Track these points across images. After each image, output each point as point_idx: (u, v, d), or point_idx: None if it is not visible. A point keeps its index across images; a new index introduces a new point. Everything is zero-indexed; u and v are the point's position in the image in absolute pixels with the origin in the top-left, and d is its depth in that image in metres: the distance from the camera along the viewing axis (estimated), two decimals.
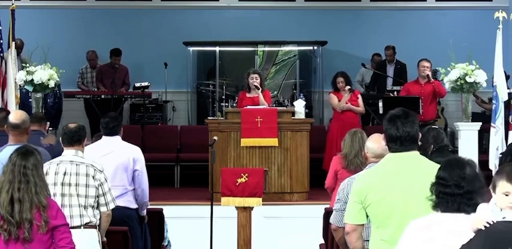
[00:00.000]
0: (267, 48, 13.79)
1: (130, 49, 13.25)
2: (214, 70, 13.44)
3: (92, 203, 5.61)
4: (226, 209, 7.85)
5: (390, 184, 4.23)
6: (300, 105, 9.98)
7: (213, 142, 8.01)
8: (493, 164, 8.88)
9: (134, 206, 6.61)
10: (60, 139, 5.85)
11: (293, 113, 9.89)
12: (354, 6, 14.04)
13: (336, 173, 7.20)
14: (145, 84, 12.31)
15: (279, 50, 13.81)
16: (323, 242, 6.88)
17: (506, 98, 9.27)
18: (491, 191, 3.60)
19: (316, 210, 7.95)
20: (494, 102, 9.33)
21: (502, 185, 3.52)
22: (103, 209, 5.67)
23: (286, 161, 9.66)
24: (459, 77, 9.33)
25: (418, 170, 4.22)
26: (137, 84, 12.45)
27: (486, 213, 3.49)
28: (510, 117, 9.27)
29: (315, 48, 13.56)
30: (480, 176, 3.70)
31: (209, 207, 7.72)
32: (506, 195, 3.50)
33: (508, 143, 8.80)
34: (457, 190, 3.63)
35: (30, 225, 4.46)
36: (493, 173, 3.85)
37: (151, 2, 13.99)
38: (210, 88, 13.19)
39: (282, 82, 13.62)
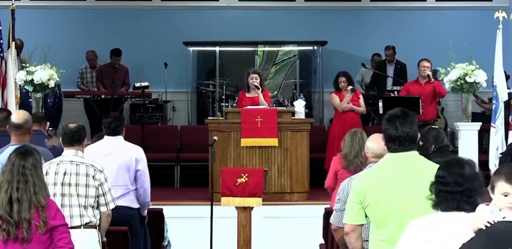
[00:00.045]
0: (267, 48, 13.79)
1: (130, 49, 13.25)
2: (214, 70, 13.45)
3: (92, 203, 5.61)
4: (226, 209, 7.85)
5: (389, 184, 4.23)
6: (300, 105, 9.98)
7: (213, 142, 8.01)
8: (493, 164, 8.89)
9: (136, 205, 6.62)
10: (60, 139, 5.85)
11: (293, 113, 9.89)
12: (354, 6, 14.04)
13: (336, 174, 7.20)
14: (145, 84, 12.32)
15: (279, 50, 13.81)
16: (323, 242, 6.88)
17: (506, 98, 9.27)
18: (490, 191, 3.60)
19: (316, 210, 7.95)
20: (494, 102, 9.34)
21: (501, 186, 3.52)
22: (103, 209, 5.67)
23: (286, 161, 9.66)
24: (459, 77, 9.33)
25: (417, 170, 4.22)
26: (137, 84, 12.45)
27: (486, 214, 3.50)
28: (510, 117, 9.27)
29: (315, 48, 13.56)
30: (479, 176, 3.71)
31: (209, 207, 7.72)
32: (505, 195, 3.51)
33: (508, 143, 8.80)
34: (457, 187, 3.64)
35: (28, 225, 4.46)
36: (492, 173, 3.85)
37: (151, 2, 13.99)
38: (210, 88, 13.19)
39: (282, 82, 13.62)
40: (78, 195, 5.58)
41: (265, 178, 7.74)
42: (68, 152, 5.72)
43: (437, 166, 3.83)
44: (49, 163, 5.65)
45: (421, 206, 3.89)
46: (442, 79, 9.76)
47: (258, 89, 10.27)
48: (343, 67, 11.93)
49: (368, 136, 5.84)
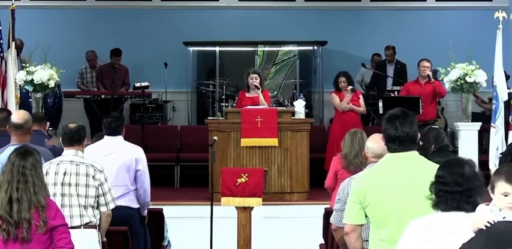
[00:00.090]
0: (267, 48, 13.79)
1: (130, 49, 13.25)
2: (214, 70, 13.45)
3: (92, 203, 5.61)
4: (226, 209, 7.85)
5: (389, 184, 4.22)
6: (300, 105, 9.97)
7: (213, 142, 8.01)
8: (493, 164, 8.89)
9: (136, 205, 6.62)
10: (60, 139, 5.85)
11: (293, 113, 9.89)
12: (354, 6, 14.04)
13: (336, 174, 7.20)
14: (145, 84, 12.32)
15: (279, 50, 13.81)
16: (323, 242, 6.88)
17: (506, 98, 9.28)
18: (490, 191, 3.60)
19: (316, 210, 7.95)
20: (494, 102, 9.34)
21: (501, 186, 3.52)
22: (103, 209, 5.67)
23: (286, 161, 9.66)
24: (459, 77, 9.33)
25: (417, 170, 4.22)
26: (137, 84, 12.45)
27: (486, 214, 3.50)
28: (510, 117, 9.28)
29: (315, 48, 13.56)
30: (479, 175, 3.71)
31: (209, 207, 7.72)
32: (506, 195, 3.51)
33: (508, 143, 8.80)
34: (456, 187, 3.64)
35: (28, 225, 4.46)
36: (492, 173, 3.88)
37: (151, 2, 13.99)
38: (210, 88, 13.19)
39: (282, 82, 13.62)
40: (78, 195, 5.58)
41: (265, 178, 7.74)
42: (68, 152, 5.72)
43: (437, 166, 3.83)
44: (49, 163, 5.65)
45: (421, 206, 3.89)
46: (442, 79, 9.76)
47: (258, 89, 10.27)
48: (343, 67, 11.93)
49: (368, 136, 5.84)
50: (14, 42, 9.70)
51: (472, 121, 9.58)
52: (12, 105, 9.32)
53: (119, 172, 6.48)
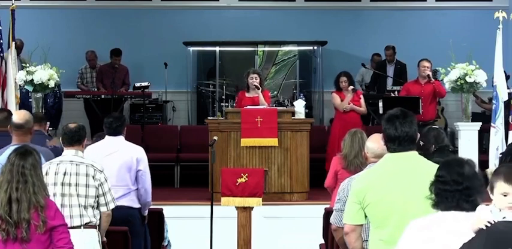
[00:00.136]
0: (267, 48, 13.79)
1: (130, 49, 13.25)
2: (214, 70, 13.45)
3: (92, 203, 5.61)
4: (226, 209, 7.85)
5: (389, 184, 4.22)
6: (300, 105, 9.97)
7: (213, 142, 8.01)
8: (493, 164, 8.89)
9: (137, 205, 6.63)
10: (60, 139, 5.85)
11: (293, 113, 9.89)
12: (354, 6, 14.04)
13: (336, 174, 7.20)
14: (145, 84, 12.31)
15: (279, 50, 13.81)
16: (323, 242, 6.88)
17: (506, 98, 9.28)
18: (489, 192, 3.61)
19: (316, 210, 7.95)
20: (494, 102, 9.35)
21: (500, 186, 3.53)
22: (103, 209, 5.67)
23: (286, 161, 9.66)
24: (459, 77, 9.33)
25: (417, 170, 4.22)
26: (137, 84, 12.45)
27: (486, 214, 3.50)
28: (510, 117, 9.28)
29: (315, 48, 13.56)
30: (479, 175, 3.71)
31: (209, 207, 7.72)
32: (505, 195, 3.52)
33: (508, 143, 8.80)
34: (456, 186, 3.64)
35: (28, 225, 4.46)
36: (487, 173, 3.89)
37: (151, 2, 13.99)
38: (210, 88, 13.19)
39: (282, 82, 13.62)
40: (78, 195, 5.58)
41: (265, 178, 7.74)
42: (68, 152, 5.72)
43: (437, 166, 3.83)
44: (49, 163, 5.65)
45: (421, 206, 3.89)
46: (442, 79, 9.76)
47: (258, 89, 10.27)
48: (343, 67, 11.92)
49: (368, 136, 5.83)
50: (14, 42, 9.70)
51: (472, 121, 9.59)
52: (12, 105, 9.32)
53: (120, 172, 6.49)
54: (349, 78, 10.83)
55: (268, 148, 9.62)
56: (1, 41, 9.62)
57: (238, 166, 9.38)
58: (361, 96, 10.90)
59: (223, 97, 11.41)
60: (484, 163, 8.91)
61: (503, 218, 3.47)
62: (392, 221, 4.16)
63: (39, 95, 9.72)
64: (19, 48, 10.64)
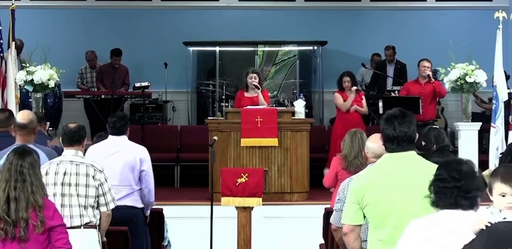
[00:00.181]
0: (267, 48, 13.79)
1: (130, 49, 13.25)
2: (214, 70, 13.45)
3: (92, 203, 5.61)
4: (226, 209, 7.85)
5: (387, 184, 4.22)
6: (300, 105, 9.97)
7: (213, 142, 8.01)
8: (493, 164, 8.89)
9: (140, 205, 6.62)
10: (60, 139, 5.85)
11: (293, 113, 9.89)
12: (354, 6, 14.04)
13: (336, 174, 7.20)
14: (145, 84, 12.32)
15: (279, 50, 13.81)
16: (323, 242, 6.88)
17: (506, 98, 9.29)
18: (489, 193, 3.62)
19: (316, 210, 7.95)
20: (494, 102, 9.35)
21: (498, 187, 3.55)
22: (103, 209, 5.67)
23: (286, 161, 9.66)
24: (459, 77, 9.34)
25: (415, 170, 4.21)
26: (137, 84, 12.45)
27: (486, 215, 3.51)
28: (510, 117, 9.29)
29: (315, 48, 13.56)
30: (478, 173, 3.71)
31: (209, 207, 7.72)
32: (503, 196, 3.53)
33: (508, 143, 8.81)
34: (454, 182, 3.63)
35: (26, 224, 4.46)
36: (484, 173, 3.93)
37: (151, 2, 14.00)
38: (210, 88, 13.19)
39: (282, 82, 13.62)
40: (78, 195, 5.58)
41: (265, 178, 7.74)
42: (68, 152, 5.72)
43: (436, 166, 3.83)
44: (49, 163, 5.65)
45: (419, 206, 3.89)
46: (442, 79, 9.76)
47: (258, 89, 10.27)
48: (343, 67, 11.93)
49: (368, 136, 5.83)
50: (14, 42, 9.71)
51: (472, 121, 9.59)
52: (12, 105, 9.32)
53: (123, 172, 6.47)
54: (352, 78, 10.81)
55: (268, 148, 9.62)
56: (1, 41, 9.62)
57: (238, 166, 9.38)
58: (363, 97, 10.89)
59: (223, 97, 11.41)
60: (484, 163, 8.91)
61: (504, 218, 3.48)
62: (391, 221, 4.16)
63: (39, 95, 9.72)
64: (19, 48, 10.63)
